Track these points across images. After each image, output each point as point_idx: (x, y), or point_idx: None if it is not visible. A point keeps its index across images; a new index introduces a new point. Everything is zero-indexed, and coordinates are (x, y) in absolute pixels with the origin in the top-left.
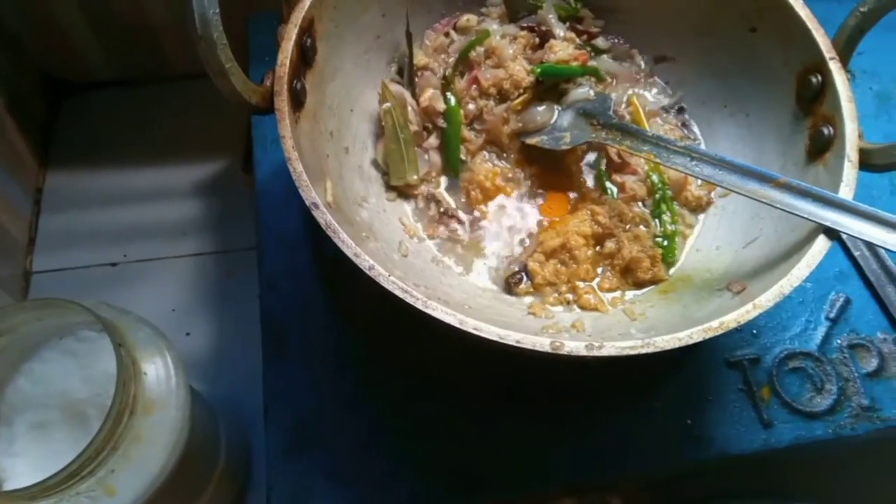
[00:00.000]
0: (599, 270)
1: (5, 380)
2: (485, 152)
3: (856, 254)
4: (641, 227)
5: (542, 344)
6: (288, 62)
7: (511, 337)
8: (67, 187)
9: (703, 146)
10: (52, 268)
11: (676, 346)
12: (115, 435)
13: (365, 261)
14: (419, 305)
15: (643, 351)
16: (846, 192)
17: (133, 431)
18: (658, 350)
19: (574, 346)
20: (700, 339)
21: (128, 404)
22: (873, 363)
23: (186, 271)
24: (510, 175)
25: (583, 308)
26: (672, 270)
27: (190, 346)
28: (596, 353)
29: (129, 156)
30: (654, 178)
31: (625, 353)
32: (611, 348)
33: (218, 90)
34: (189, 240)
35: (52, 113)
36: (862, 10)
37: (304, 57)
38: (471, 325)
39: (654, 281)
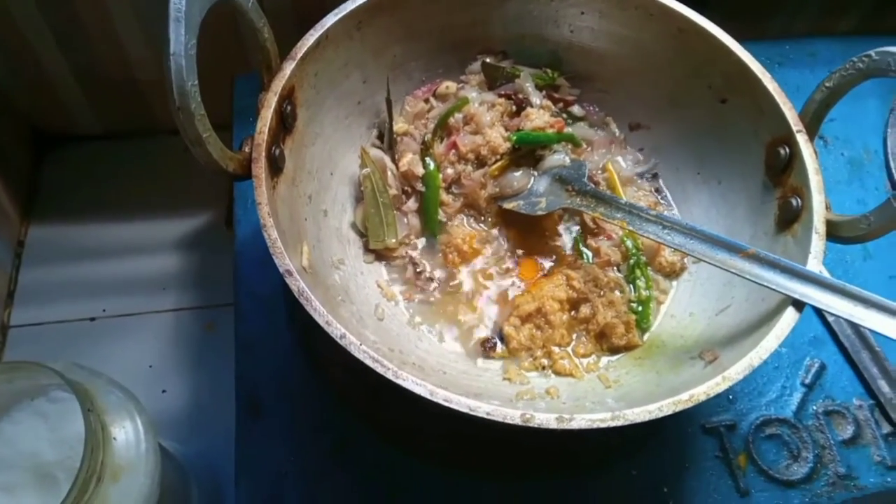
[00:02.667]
0: (574, 335)
1: None
2: (462, 215)
3: (830, 319)
4: (616, 293)
5: (512, 416)
6: (267, 129)
7: (481, 409)
8: (49, 240)
9: (676, 212)
10: (30, 322)
11: (646, 419)
12: (82, 502)
13: (336, 329)
14: (389, 375)
15: (613, 424)
16: (814, 264)
17: (100, 498)
18: (628, 423)
19: (544, 419)
20: (670, 412)
21: (95, 471)
22: (849, 430)
23: (165, 326)
24: (487, 238)
25: (557, 374)
26: (646, 336)
27: (166, 403)
28: (566, 425)
29: (112, 209)
30: (629, 243)
31: (595, 426)
32: (581, 421)
33: (195, 158)
34: (169, 294)
35: (35, 165)
36: (827, 85)
37: (284, 123)
38: (441, 396)
39: (629, 347)
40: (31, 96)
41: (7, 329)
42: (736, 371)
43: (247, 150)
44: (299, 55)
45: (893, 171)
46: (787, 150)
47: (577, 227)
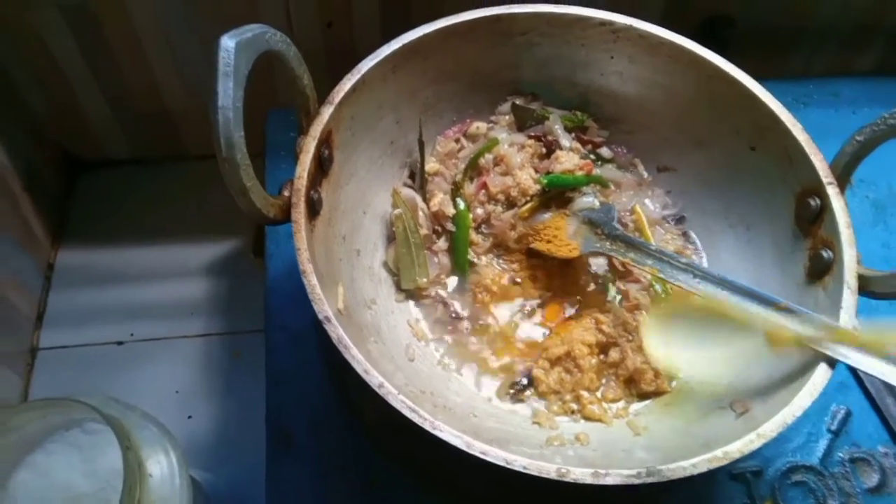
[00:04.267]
0: (603, 380)
1: (9, 472)
2: (492, 255)
3: None
4: None
5: (548, 471)
6: (306, 174)
7: (518, 462)
8: (79, 264)
9: (704, 256)
10: (59, 344)
11: (681, 475)
12: None
13: (375, 378)
14: (427, 426)
15: (648, 481)
16: (845, 319)
17: None
18: (663, 479)
19: (580, 474)
20: (705, 468)
21: None
22: (875, 478)
23: (192, 352)
24: (517, 279)
25: (587, 419)
26: (675, 383)
27: (192, 429)
28: (601, 481)
29: (141, 234)
30: (658, 287)
31: (630, 482)
32: (616, 476)
33: (238, 206)
34: (196, 320)
35: (66, 190)
36: (858, 139)
37: (322, 166)
38: (477, 448)
39: (658, 393)
40: (64, 123)
41: (36, 351)
42: (770, 428)
43: (286, 194)
44: (337, 100)
45: None
46: (818, 201)
47: (606, 269)
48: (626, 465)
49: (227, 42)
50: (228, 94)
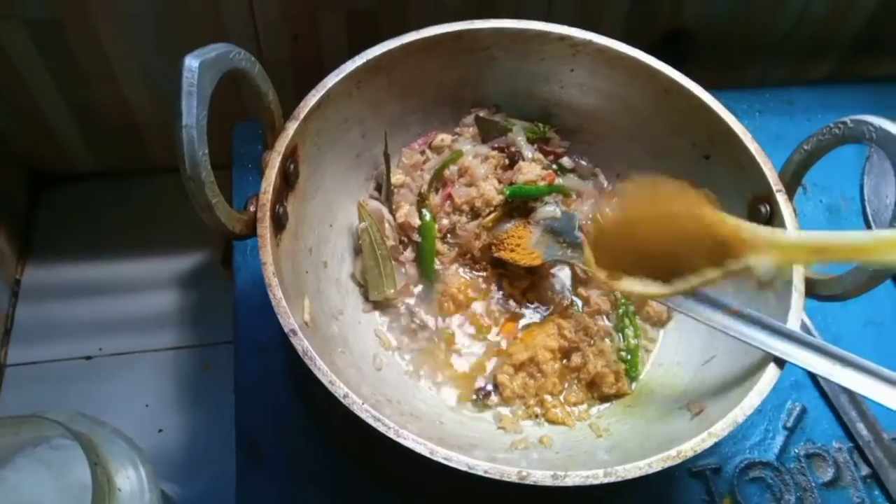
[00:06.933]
0: (566, 384)
1: None
2: (458, 264)
3: None
4: (606, 342)
5: (509, 474)
6: (271, 189)
7: (479, 467)
8: (46, 279)
9: None
10: (27, 360)
11: (637, 475)
12: None
13: (340, 388)
14: (391, 434)
15: (605, 481)
16: (794, 321)
17: None
18: (620, 479)
19: (540, 476)
20: (659, 468)
21: None
22: (829, 473)
23: (162, 365)
24: (482, 287)
25: (550, 422)
26: (635, 384)
27: (162, 443)
28: (561, 482)
29: (109, 247)
30: (618, 293)
31: (588, 482)
32: (575, 478)
33: (203, 222)
34: (166, 333)
35: (32, 204)
36: (805, 147)
37: (287, 181)
38: (441, 455)
39: (619, 395)
40: (28, 136)
41: (4, 368)
42: (721, 427)
43: (252, 209)
44: (302, 115)
45: (871, 220)
46: (768, 207)
47: (569, 276)
48: (587, 466)
49: (191, 62)
50: (192, 113)
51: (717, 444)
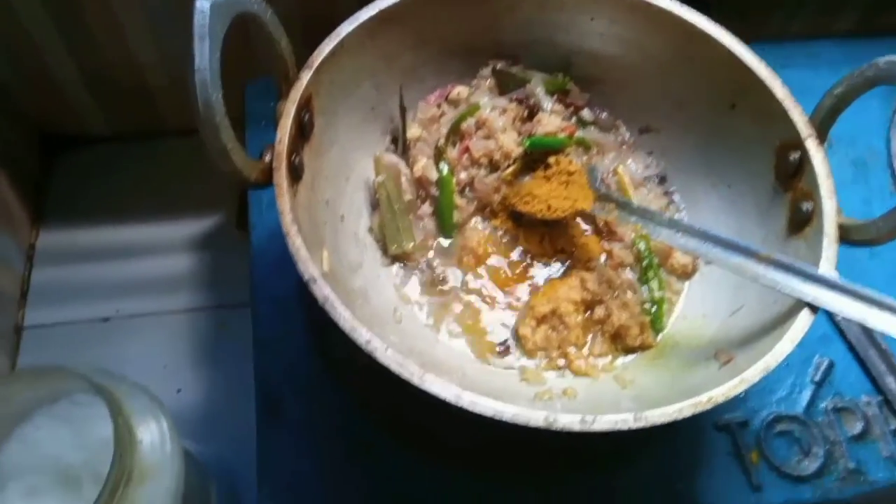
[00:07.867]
0: (589, 337)
1: None
2: (477, 218)
3: (837, 318)
4: (629, 294)
5: (536, 419)
6: (287, 138)
7: (506, 412)
8: (61, 242)
9: (685, 215)
10: (44, 322)
11: (667, 420)
12: None
13: (361, 335)
14: (415, 380)
15: (635, 426)
16: (826, 268)
17: (128, 501)
18: (649, 424)
19: (568, 421)
20: (690, 413)
21: (124, 475)
22: (858, 426)
23: (179, 327)
24: (502, 240)
25: (574, 373)
26: (660, 337)
27: (181, 403)
28: (589, 427)
29: (123, 211)
30: (641, 245)
31: (618, 427)
32: (604, 423)
33: (218, 168)
34: (182, 295)
35: (45, 168)
36: (835, 92)
37: (302, 131)
38: (467, 399)
39: (643, 347)
40: (40, 99)
41: (21, 330)
42: (753, 373)
43: (267, 158)
44: (315, 64)
45: None
46: (798, 155)
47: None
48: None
49: (202, 4)
50: (205, 55)
51: (743, 399)
